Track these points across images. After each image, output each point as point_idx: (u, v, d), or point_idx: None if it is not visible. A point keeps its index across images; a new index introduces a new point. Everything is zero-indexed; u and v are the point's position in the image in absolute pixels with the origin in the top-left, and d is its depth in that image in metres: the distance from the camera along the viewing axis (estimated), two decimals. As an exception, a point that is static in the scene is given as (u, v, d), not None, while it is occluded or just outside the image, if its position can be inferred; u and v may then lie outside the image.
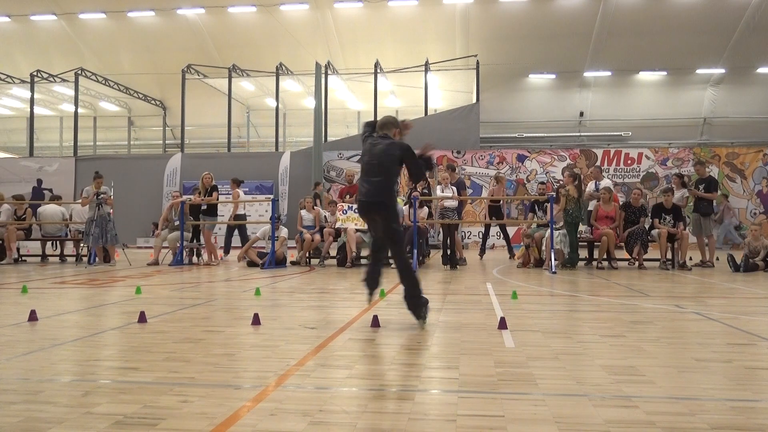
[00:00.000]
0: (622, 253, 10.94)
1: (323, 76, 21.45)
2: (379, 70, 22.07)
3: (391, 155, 4.68)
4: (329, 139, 21.69)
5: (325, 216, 11.59)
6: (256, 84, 24.83)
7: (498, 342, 3.92)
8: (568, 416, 2.42)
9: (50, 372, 3.19)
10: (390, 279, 8.44)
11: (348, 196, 11.57)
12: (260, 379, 2.98)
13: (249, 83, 24.70)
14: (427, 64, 21.75)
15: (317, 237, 11.12)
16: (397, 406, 2.57)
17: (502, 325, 4.35)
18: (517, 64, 24.89)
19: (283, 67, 22.53)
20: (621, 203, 11.47)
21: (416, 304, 4.55)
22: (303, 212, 11.49)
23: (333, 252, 11.41)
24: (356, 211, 10.95)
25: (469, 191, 17.89)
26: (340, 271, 10.10)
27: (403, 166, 4.76)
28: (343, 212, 10.99)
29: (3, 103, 26.70)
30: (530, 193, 17.98)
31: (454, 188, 11.04)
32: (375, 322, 4.44)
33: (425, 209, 11.29)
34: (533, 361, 3.39)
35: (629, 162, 19.29)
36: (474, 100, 21.79)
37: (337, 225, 11.07)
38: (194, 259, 11.95)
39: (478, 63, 21.73)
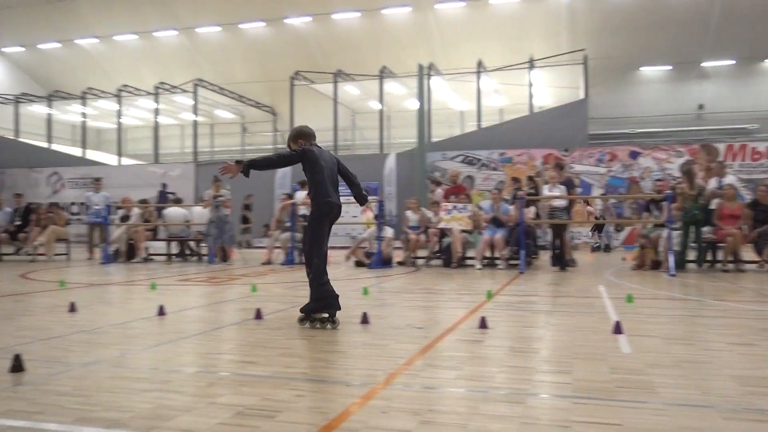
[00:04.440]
0: (750, 254, 10.13)
1: (425, 77, 21.49)
2: (481, 69, 21.82)
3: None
4: (433, 139, 21.71)
5: (429, 217, 11.61)
6: (360, 87, 25.31)
7: (613, 347, 3.76)
8: (693, 428, 2.28)
9: (177, 363, 3.41)
10: (496, 280, 8.31)
11: (453, 197, 11.50)
12: (370, 377, 3.03)
13: (354, 87, 25.21)
14: (531, 61, 21.24)
15: (422, 237, 11.16)
16: (508, 409, 2.52)
17: (617, 329, 4.16)
18: (628, 57, 23.76)
19: (387, 70, 22.80)
20: (746, 201, 10.63)
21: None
22: (408, 213, 11.56)
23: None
24: (461, 211, 10.94)
25: (578, 190, 17.26)
26: (445, 271, 10.08)
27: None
28: (447, 212, 10.96)
29: (131, 114, 28.87)
30: (644, 192, 17.09)
31: (563, 187, 10.68)
32: (483, 324, 4.39)
33: (532, 209, 11.03)
34: (652, 368, 3.21)
35: (756, 156, 17.86)
36: (582, 96, 21.00)
37: (441, 225, 11.04)
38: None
39: (585, 57, 20.92)
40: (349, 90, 25.36)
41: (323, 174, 4.85)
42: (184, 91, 25.07)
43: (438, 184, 15.05)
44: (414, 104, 23.83)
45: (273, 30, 26.42)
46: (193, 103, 24.65)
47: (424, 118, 20.87)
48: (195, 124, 24.63)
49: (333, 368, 3.24)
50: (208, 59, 28.27)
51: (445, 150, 20.44)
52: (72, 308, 5.35)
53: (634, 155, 18.74)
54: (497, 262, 10.75)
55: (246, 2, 25.00)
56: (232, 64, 28.48)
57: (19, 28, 27.95)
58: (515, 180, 13.14)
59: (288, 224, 12.04)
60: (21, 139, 26.56)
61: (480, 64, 21.69)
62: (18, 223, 13.60)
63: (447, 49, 25.76)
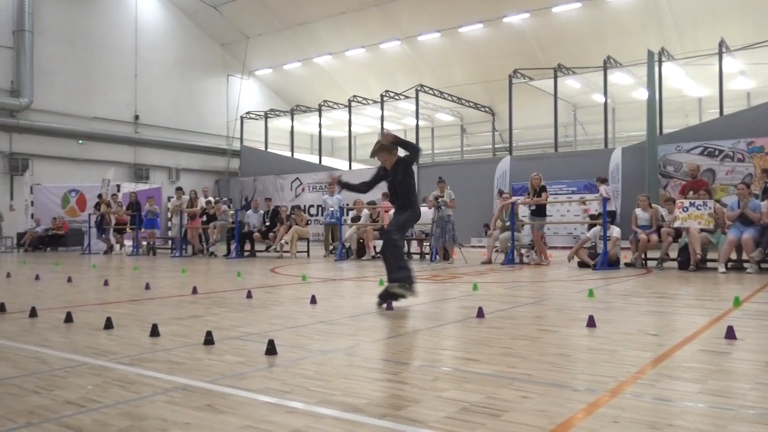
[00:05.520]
0: None
1: (656, 63, 19.79)
2: (724, 50, 19.46)
3: None
4: (664, 131, 19.92)
5: (662, 215, 10.69)
6: (582, 81, 24.18)
7: None
8: None
9: (404, 356, 3.59)
10: (745, 286, 7.38)
11: (692, 192, 10.38)
12: (598, 383, 2.88)
13: (575, 81, 24.17)
14: (787, 35, 18.40)
15: (654, 237, 10.30)
16: None
17: None
18: None
19: (611, 60, 21.46)
20: None
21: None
22: (638, 211, 10.77)
23: (673, 254, 10.45)
24: (699, 207, 9.86)
25: None
26: (681, 274, 9.19)
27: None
28: (683, 210, 9.97)
29: (360, 122, 31.01)
30: None
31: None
32: (730, 334, 3.92)
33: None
34: None
35: None
36: None
37: (676, 224, 10.08)
38: (524, 258, 12.17)
39: None
40: (569, 84, 24.38)
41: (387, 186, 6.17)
42: (407, 97, 26.24)
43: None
44: (643, 94, 22.08)
45: (491, 30, 26.46)
46: (415, 108, 25.68)
47: (654, 108, 19.22)
48: (417, 128, 25.65)
49: (558, 371, 3.14)
50: (428, 65, 29.28)
51: (680, 141, 18.62)
52: (313, 300, 5.92)
53: None
54: (745, 265, 9.52)
55: (464, 6, 25.38)
56: (451, 67, 29.12)
57: (268, 53, 31.68)
58: (766, 172, 11.49)
59: (508, 224, 11.96)
60: (270, 150, 30.09)
61: (722, 43, 19.36)
62: (267, 224, 15.41)
63: (681, 32, 23.46)
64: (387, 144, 5.78)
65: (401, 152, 5.90)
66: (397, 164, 5.89)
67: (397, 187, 5.91)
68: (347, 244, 13.99)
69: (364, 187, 6.10)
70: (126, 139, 26.99)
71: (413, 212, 5.96)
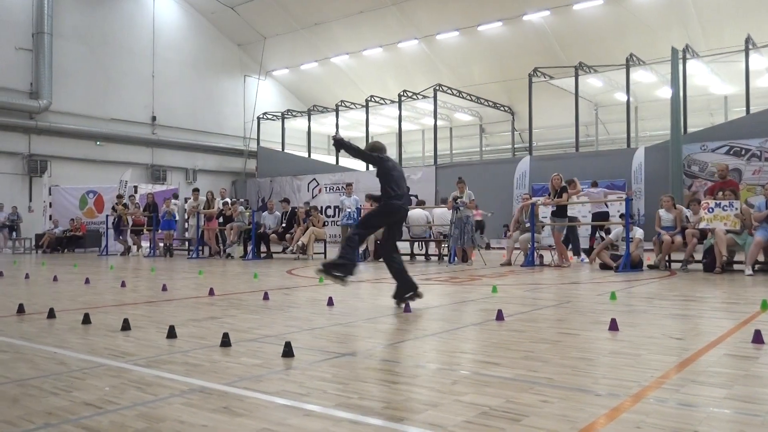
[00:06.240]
0: None
1: (680, 61, 19.57)
2: (750, 46, 19.19)
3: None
4: (689, 130, 19.69)
5: (686, 216, 10.56)
6: (604, 79, 24.01)
7: None
8: None
9: (422, 359, 3.58)
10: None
11: (721, 193, 10.17)
12: (620, 388, 2.85)
13: (596, 79, 24.00)
14: (817, 31, 18.10)
15: (678, 239, 10.18)
16: (793, 439, 2.18)
17: None
18: None
19: (634, 58, 21.27)
20: None
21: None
22: (661, 212, 10.65)
23: (698, 256, 10.31)
24: (725, 208, 9.71)
25: None
26: (707, 277, 9.07)
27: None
28: (708, 210, 9.84)
29: (377, 122, 31.06)
30: None
31: None
32: (757, 338, 3.85)
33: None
34: None
35: None
36: None
37: (701, 225, 9.95)
38: (545, 260, 12.10)
39: None
40: (591, 83, 24.22)
41: (397, 182, 5.89)
42: (425, 97, 26.22)
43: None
44: (666, 92, 21.85)
45: (510, 28, 26.36)
46: (433, 107, 25.65)
47: (679, 106, 19.01)
48: (435, 128, 25.61)
49: (579, 375, 3.11)
50: (447, 64, 29.24)
51: (705, 141, 18.39)
52: (330, 302, 5.94)
53: None
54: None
55: (483, 4, 25.31)
56: (470, 66, 29.05)
57: (285, 53, 31.87)
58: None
59: (528, 225, 11.89)
60: (287, 151, 30.24)
61: (748, 40, 19.10)
62: (284, 225, 15.48)
63: (706, 28, 23.17)
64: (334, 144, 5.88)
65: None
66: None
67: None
68: (364, 246, 14.00)
69: (360, 156, 6.17)
70: (143, 141, 27.32)
71: (382, 207, 5.98)
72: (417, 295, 5.78)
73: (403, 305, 5.57)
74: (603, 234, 12.01)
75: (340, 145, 5.79)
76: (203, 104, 29.99)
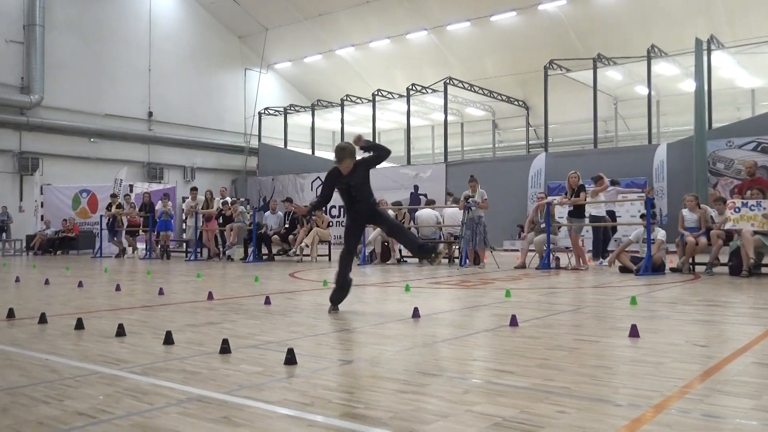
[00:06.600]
0: None
1: (705, 52, 19.47)
2: (780, 36, 19.08)
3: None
4: (714, 125, 19.59)
5: (711, 216, 10.51)
6: (624, 72, 23.89)
7: None
8: None
9: (432, 367, 3.57)
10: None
11: (748, 192, 10.10)
12: (641, 398, 2.84)
13: (616, 72, 23.90)
14: None
15: (702, 240, 10.13)
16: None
17: None
18: None
19: (656, 50, 21.18)
20: None
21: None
22: (685, 212, 10.60)
23: (723, 258, 10.26)
24: (752, 208, 9.66)
25: None
26: (733, 280, 9.02)
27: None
28: (734, 210, 9.78)
29: (385, 117, 31.05)
30: None
31: None
32: (786, 345, 3.83)
33: None
34: None
35: None
36: None
37: (727, 226, 9.90)
38: (561, 263, 12.07)
39: None
40: (610, 75, 24.11)
41: (339, 193, 6.06)
42: (435, 90, 26.19)
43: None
44: (690, 86, 21.75)
45: (525, 18, 26.29)
46: (443, 102, 25.62)
47: (703, 100, 18.91)
48: (446, 123, 25.59)
49: (598, 384, 3.10)
50: (457, 56, 29.20)
51: (731, 136, 18.28)
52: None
53: None
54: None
55: (496, -7, 25.30)
56: (482, 59, 29.01)
57: (288, 45, 31.90)
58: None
59: (543, 225, 11.86)
60: (289, 148, 30.29)
61: (777, 30, 18.99)
62: (287, 226, 15.50)
63: (732, 18, 23.05)
64: (361, 147, 5.90)
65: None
66: (356, 167, 5.94)
67: (354, 190, 5.97)
68: (371, 248, 14.01)
69: (324, 203, 6.27)
70: (139, 137, 27.42)
71: (352, 214, 6.16)
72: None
73: (414, 308, 5.54)
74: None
75: (369, 146, 5.90)
76: (202, 99, 30.07)
